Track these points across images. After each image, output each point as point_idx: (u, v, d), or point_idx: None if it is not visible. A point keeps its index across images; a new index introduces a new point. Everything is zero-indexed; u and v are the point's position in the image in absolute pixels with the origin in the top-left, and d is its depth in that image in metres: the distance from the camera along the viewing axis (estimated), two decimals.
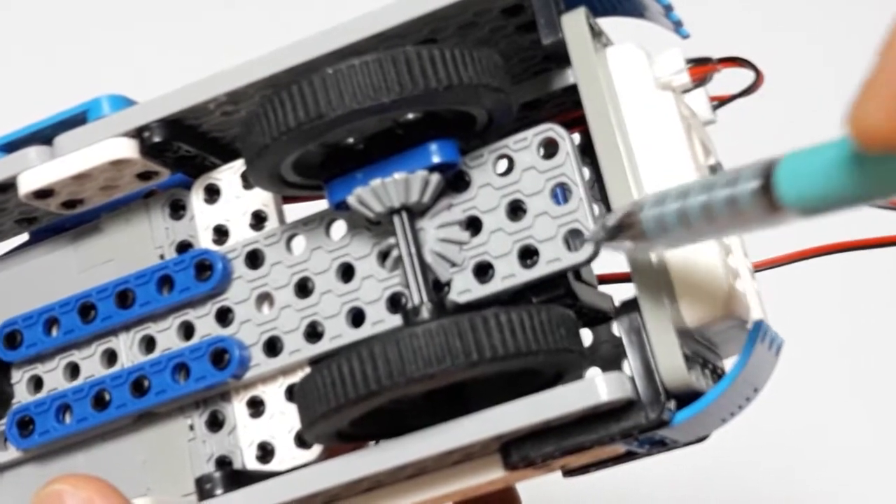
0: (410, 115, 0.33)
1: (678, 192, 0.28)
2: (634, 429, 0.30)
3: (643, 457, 0.34)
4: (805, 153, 0.25)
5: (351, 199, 0.33)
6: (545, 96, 0.37)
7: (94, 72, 0.65)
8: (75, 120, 0.36)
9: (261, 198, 0.36)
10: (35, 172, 0.36)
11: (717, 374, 0.34)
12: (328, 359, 0.31)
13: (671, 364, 0.30)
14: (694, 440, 0.34)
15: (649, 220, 0.29)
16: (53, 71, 0.66)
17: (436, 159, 0.33)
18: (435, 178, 0.33)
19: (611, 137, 0.32)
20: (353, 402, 0.30)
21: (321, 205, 0.35)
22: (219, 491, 0.33)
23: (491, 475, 0.32)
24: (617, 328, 0.34)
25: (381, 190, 0.32)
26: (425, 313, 0.31)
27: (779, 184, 0.25)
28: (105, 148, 0.35)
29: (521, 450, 0.31)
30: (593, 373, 0.32)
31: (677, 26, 0.36)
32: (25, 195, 0.36)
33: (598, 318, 0.36)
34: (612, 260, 0.35)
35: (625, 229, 0.29)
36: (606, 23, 0.35)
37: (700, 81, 0.35)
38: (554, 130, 0.33)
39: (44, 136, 0.36)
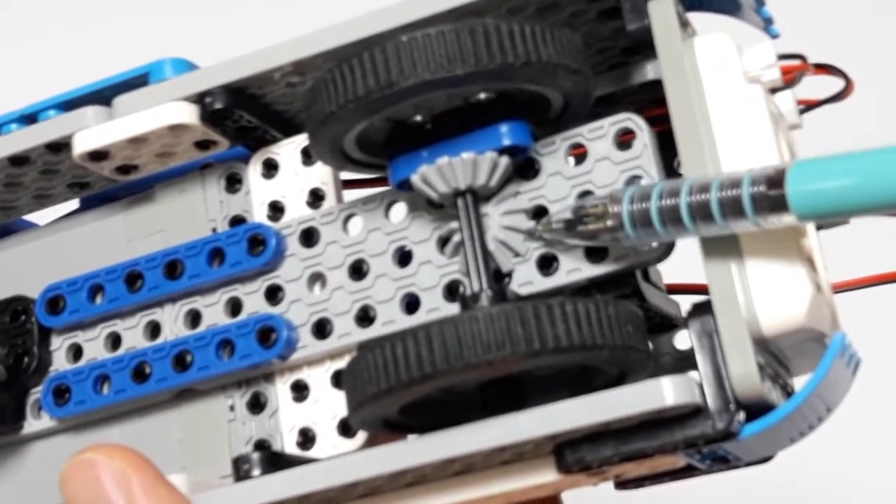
0: (482, 95, 0.31)
1: (666, 189, 0.28)
2: (700, 438, 0.28)
3: (702, 473, 0.32)
4: (814, 162, 0.26)
5: (415, 178, 0.31)
6: (621, 91, 0.35)
7: (158, 36, 0.64)
8: (136, 82, 0.35)
9: (320, 175, 0.35)
10: (91, 133, 0.35)
11: (787, 392, 0.32)
12: (382, 339, 0.29)
13: (744, 372, 0.28)
14: (758, 460, 0.33)
15: (630, 215, 0.28)
16: (117, 33, 0.66)
17: (506, 141, 0.31)
18: (504, 161, 0.31)
19: (693, 130, 0.30)
20: (406, 385, 0.28)
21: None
22: (256, 472, 0.32)
23: (542, 478, 0.30)
24: (679, 339, 0.32)
25: (447, 169, 0.31)
26: (485, 301, 0.30)
27: (790, 190, 0.26)
28: (164, 111, 0.34)
29: (577, 452, 0.29)
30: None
31: (767, 24, 0.34)
32: (80, 156, 0.35)
33: (661, 325, 0.35)
34: (683, 268, 0.34)
35: (591, 221, 0.29)
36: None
37: (789, 82, 0.33)
38: (632, 120, 0.32)
39: (103, 96, 0.35)
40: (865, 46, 0.63)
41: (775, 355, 0.31)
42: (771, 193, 0.27)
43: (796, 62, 0.33)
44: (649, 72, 0.35)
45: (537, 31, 0.30)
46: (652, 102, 0.35)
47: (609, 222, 0.29)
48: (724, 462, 0.31)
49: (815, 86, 0.35)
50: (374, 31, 0.32)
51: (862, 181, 0.26)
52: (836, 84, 0.35)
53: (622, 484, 0.34)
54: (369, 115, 0.30)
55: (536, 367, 0.29)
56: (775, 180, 0.27)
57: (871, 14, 0.66)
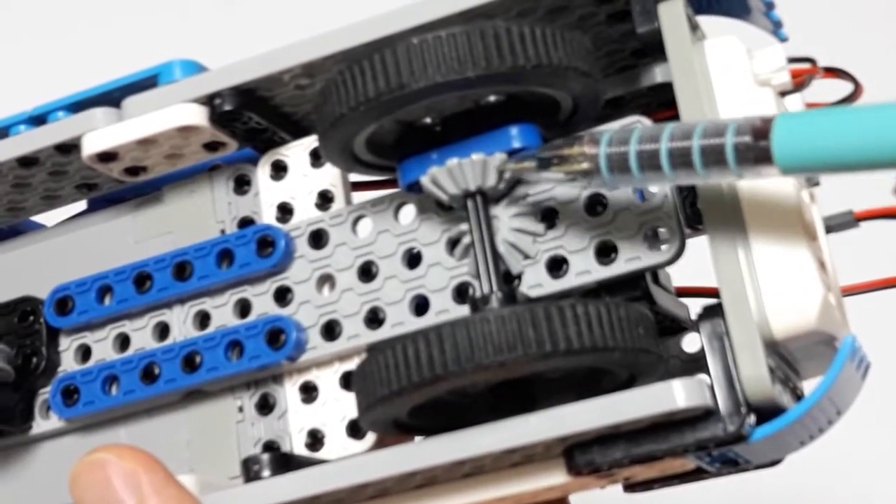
0: (492, 98, 0.31)
1: (647, 134, 0.27)
2: (711, 441, 0.28)
3: (712, 476, 0.32)
4: (802, 115, 0.26)
5: (424, 180, 0.31)
6: (629, 95, 0.35)
7: (167, 38, 0.64)
8: (145, 83, 0.35)
9: (329, 177, 0.35)
10: (100, 134, 0.35)
11: (797, 395, 0.32)
12: (392, 340, 0.29)
13: (755, 374, 0.28)
14: (767, 463, 0.32)
15: (608, 158, 0.27)
16: (126, 35, 0.66)
17: (516, 144, 0.31)
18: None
19: None
20: (417, 386, 0.28)
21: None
22: (266, 473, 0.32)
23: (552, 480, 0.30)
24: (689, 342, 0.32)
25: (456, 171, 0.31)
26: (495, 303, 0.30)
27: (775, 142, 0.26)
28: (174, 113, 0.34)
29: (587, 454, 0.29)
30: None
31: (776, 27, 0.34)
32: (89, 157, 0.35)
33: (670, 328, 0.34)
34: (693, 271, 0.34)
35: (566, 161, 0.28)
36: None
37: (799, 85, 0.33)
38: (640, 123, 0.32)
39: (112, 97, 0.35)
40: (873, 49, 0.63)
41: (785, 358, 0.31)
42: (756, 144, 0.26)
43: (806, 65, 0.33)
44: (658, 75, 0.35)
45: (548, 33, 0.30)
46: (660, 105, 0.35)
47: (585, 164, 0.28)
48: (733, 465, 0.31)
49: (825, 89, 0.35)
50: (384, 34, 0.32)
51: (849, 137, 0.25)
52: (845, 87, 0.35)
53: (631, 487, 0.34)
54: (380, 117, 0.30)
55: (547, 369, 0.29)
56: (761, 131, 0.26)
57: (881, 17, 0.66)
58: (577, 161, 0.28)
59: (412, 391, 0.28)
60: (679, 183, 0.28)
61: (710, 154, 0.27)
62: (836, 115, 0.26)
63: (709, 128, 0.27)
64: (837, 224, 0.34)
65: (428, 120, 0.32)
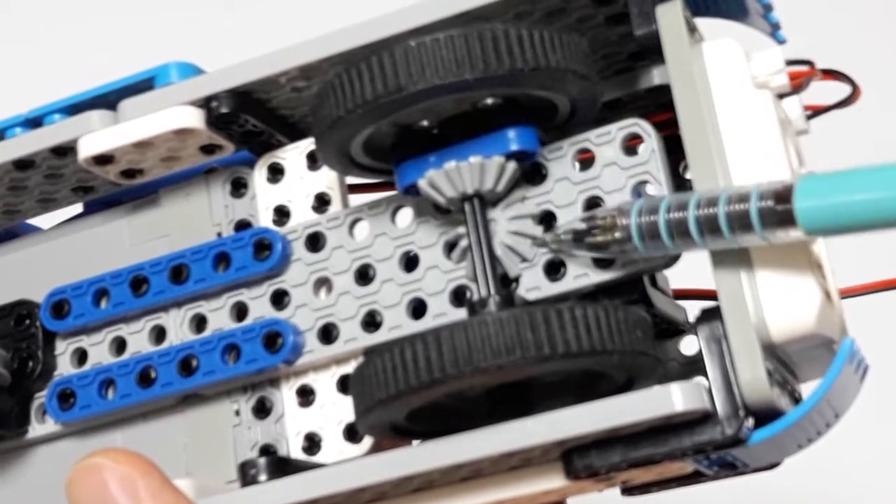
0: (490, 100, 0.31)
1: (675, 203, 0.28)
2: (709, 444, 0.28)
3: (710, 480, 0.32)
4: (822, 178, 0.27)
5: (422, 183, 0.31)
6: (627, 97, 0.35)
7: (164, 40, 0.64)
8: (141, 86, 0.35)
9: (325, 180, 0.35)
10: (96, 137, 0.35)
11: (795, 398, 0.32)
12: (390, 343, 0.29)
13: (753, 378, 0.28)
14: (765, 466, 0.32)
15: (638, 227, 0.28)
16: (122, 37, 0.66)
17: (514, 146, 0.31)
18: (511, 165, 0.31)
19: (702, 135, 0.30)
20: (415, 389, 0.28)
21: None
22: (263, 477, 0.32)
23: (550, 483, 0.30)
24: (686, 345, 0.32)
25: (454, 174, 0.31)
26: (492, 306, 0.30)
27: (798, 205, 0.27)
28: (170, 116, 0.34)
29: (585, 458, 0.29)
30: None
31: (774, 29, 0.34)
32: (85, 160, 0.35)
33: (668, 331, 0.34)
34: (690, 274, 0.34)
35: (599, 233, 0.29)
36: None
37: (797, 88, 0.33)
38: (639, 126, 0.32)
39: (108, 100, 0.35)
40: (871, 51, 0.63)
41: (783, 361, 0.31)
42: (779, 208, 0.27)
43: (804, 68, 0.33)
44: (655, 77, 0.35)
45: (545, 36, 0.30)
46: (658, 107, 0.35)
47: (617, 234, 0.29)
48: (731, 468, 0.31)
49: (822, 91, 0.35)
50: (381, 36, 0.32)
51: (870, 197, 0.26)
52: (843, 90, 0.35)
53: (629, 490, 0.33)
54: (377, 119, 0.30)
55: (545, 372, 0.29)
56: (783, 195, 0.27)
57: (880, 18, 0.66)
58: (611, 231, 0.29)
59: (410, 394, 0.28)
60: (711, 248, 0.29)
61: (735, 220, 0.28)
62: (857, 177, 0.27)
63: (733, 195, 0.28)
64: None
65: (425, 123, 0.32)
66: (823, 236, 0.28)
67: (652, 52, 0.31)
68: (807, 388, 0.32)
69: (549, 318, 0.28)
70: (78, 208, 0.40)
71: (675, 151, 0.32)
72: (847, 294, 0.34)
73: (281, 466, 0.32)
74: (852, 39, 0.64)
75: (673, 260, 0.31)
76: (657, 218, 0.29)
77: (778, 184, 0.28)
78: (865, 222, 0.27)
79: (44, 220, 0.40)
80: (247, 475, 0.32)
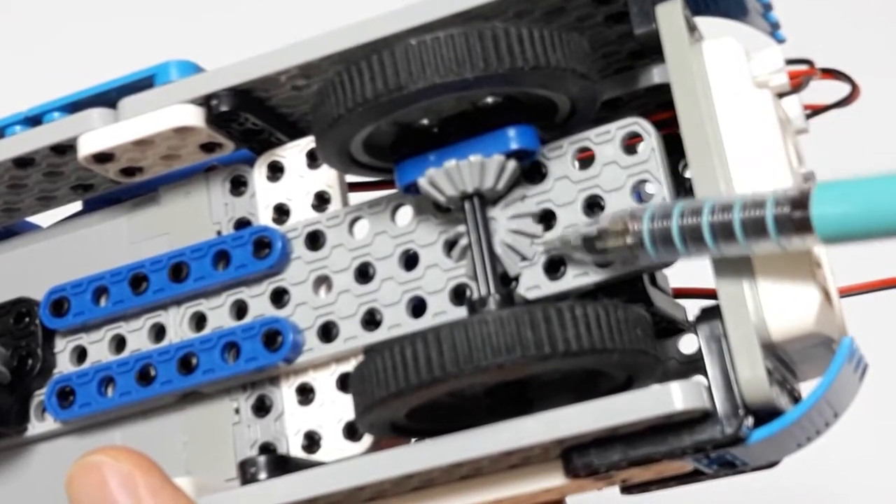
0: (490, 99, 0.31)
1: (688, 209, 0.28)
2: (708, 443, 0.28)
3: (709, 478, 0.32)
4: (838, 185, 0.27)
5: (422, 181, 0.31)
6: (626, 96, 0.35)
7: (163, 39, 0.64)
8: (141, 84, 0.35)
9: (325, 178, 0.35)
10: (97, 135, 0.35)
11: (795, 398, 0.32)
12: (390, 342, 0.29)
13: (753, 377, 0.28)
14: (764, 465, 0.32)
15: (651, 233, 0.28)
16: (122, 36, 0.66)
17: (514, 145, 0.31)
18: (511, 164, 0.31)
19: (702, 134, 0.30)
20: (415, 388, 0.28)
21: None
22: (262, 476, 0.32)
23: (550, 482, 0.30)
24: (686, 343, 0.32)
25: (454, 172, 0.31)
26: (492, 305, 0.30)
27: (815, 212, 0.27)
28: (170, 114, 0.34)
29: (585, 457, 0.29)
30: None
31: (774, 28, 0.34)
32: (85, 158, 0.35)
33: (667, 330, 0.34)
34: (690, 274, 0.34)
35: (609, 238, 0.29)
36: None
37: (796, 87, 0.33)
38: (639, 125, 0.32)
39: (108, 98, 0.35)
40: (871, 50, 0.63)
41: (783, 360, 0.31)
42: (795, 215, 0.27)
43: (804, 67, 0.33)
44: (655, 76, 0.35)
45: (546, 35, 0.30)
46: (658, 107, 0.35)
47: (629, 240, 0.29)
48: (731, 467, 0.31)
49: (821, 90, 0.35)
50: (381, 35, 0.32)
51: (888, 205, 0.26)
52: (843, 89, 0.35)
53: (628, 489, 0.33)
54: (377, 118, 0.30)
55: (546, 370, 0.29)
56: (799, 202, 0.27)
57: (879, 17, 0.66)
58: (621, 237, 0.29)
59: (410, 393, 0.28)
60: (724, 255, 0.29)
61: (750, 226, 0.28)
62: (874, 185, 0.27)
63: (748, 200, 0.28)
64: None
65: (425, 121, 0.32)
66: (839, 244, 0.28)
67: (652, 51, 0.31)
68: (806, 387, 0.32)
69: (549, 317, 0.28)
70: (77, 206, 0.40)
71: (674, 150, 0.32)
72: (846, 293, 0.34)
73: (280, 465, 0.32)
74: (851, 38, 0.64)
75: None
76: (670, 223, 0.28)
77: (794, 190, 0.28)
78: (882, 231, 0.27)
79: (43, 218, 0.40)
80: (246, 473, 0.32)
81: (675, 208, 0.28)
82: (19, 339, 0.36)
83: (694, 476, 0.32)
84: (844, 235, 0.27)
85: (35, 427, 0.36)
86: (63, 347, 0.36)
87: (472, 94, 0.30)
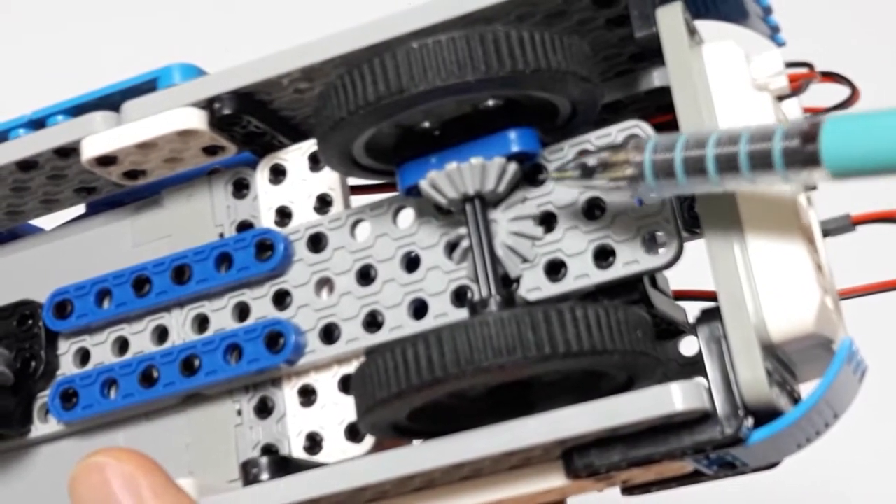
0: (491, 102, 0.31)
1: (693, 140, 0.27)
2: (708, 444, 0.29)
3: (709, 479, 0.32)
4: (850, 118, 0.26)
5: (423, 184, 0.31)
6: (626, 99, 0.36)
7: (166, 42, 0.64)
8: (144, 87, 0.35)
9: (327, 181, 0.35)
10: (100, 138, 0.35)
11: (794, 398, 0.32)
12: (392, 343, 0.29)
13: (752, 378, 0.28)
14: (764, 466, 0.33)
15: (654, 164, 0.27)
16: (125, 39, 0.66)
17: (515, 148, 0.31)
18: (512, 167, 0.31)
19: None
20: (417, 389, 0.28)
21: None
22: (265, 476, 0.32)
23: (550, 482, 0.30)
24: (686, 345, 0.32)
25: (455, 175, 0.31)
26: (493, 306, 0.30)
27: (825, 145, 0.26)
28: (173, 117, 0.34)
29: (586, 457, 0.29)
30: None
31: (774, 32, 0.34)
32: (88, 161, 0.35)
33: (667, 331, 0.35)
34: (689, 276, 0.34)
35: (610, 168, 0.28)
36: None
37: (796, 90, 0.33)
38: (640, 127, 0.32)
39: (111, 101, 0.36)
40: (870, 52, 0.63)
41: (782, 361, 0.31)
42: (805, 148, 0.26)
43: (803, 70, 0.33)
44: (655, 79, 0.35)
45: (547, 38, 0.30)
46: (658, 109, 0.35)
47: (629, 171, 0.28)
48: (730, 468, 0.31)
49: (821, 94, 0.35)
50: (383, 38, 0.32)
51: None
52: (842, 92, 0.35)
53: (628, 490, 0.34)
54: (380, 120, 0.30)
55: (546, 371, 0.29)
56: (809, 134, 0.26)
57: (879, 19, 0.66)
58: (621, 168, 0.28)
59: (412, 394, 0.28)
60: (725, 188, 0.28)
61: (757, 158, 0.27)
62: (886, 117, 0.26)
63: (756, 133, 0.27)
64: (835, 228, 0.34)
65: (426, 124, 0.32)
66: (847, 179, 0.27)
67: (652, 54, 0.32)
68: (805, 388, 0.32)
69: (549, 318, 0.28)
70: (80, 209, 0.40)
71: None
72: (846, 295, 0.34)
73: (282, 466, 0.32)
74: (850, 41, 0.64)
75: (674, 260, 0.31)
76: (673, 155, 0.28)
77: (805, 122, 0.27)
78: (892, 164, 0.26)
79: (46, 221, 0.41)
80: (249, 474, 0.32)
81: (679, 140, 0.28)
82: (22, 342, 0.36)
83: (694, 477, 0.32)
84: (854, 170, 0.26)
85: (38, 429, 0.36)
86: (66, 349, 0.36)
87: (473, 97, 0.30)
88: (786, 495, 0.56)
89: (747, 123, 0.30)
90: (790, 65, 0.32)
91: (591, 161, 0.29)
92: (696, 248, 0.32)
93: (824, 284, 0.30)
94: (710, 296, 0.34)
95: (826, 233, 0.33)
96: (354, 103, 0.30)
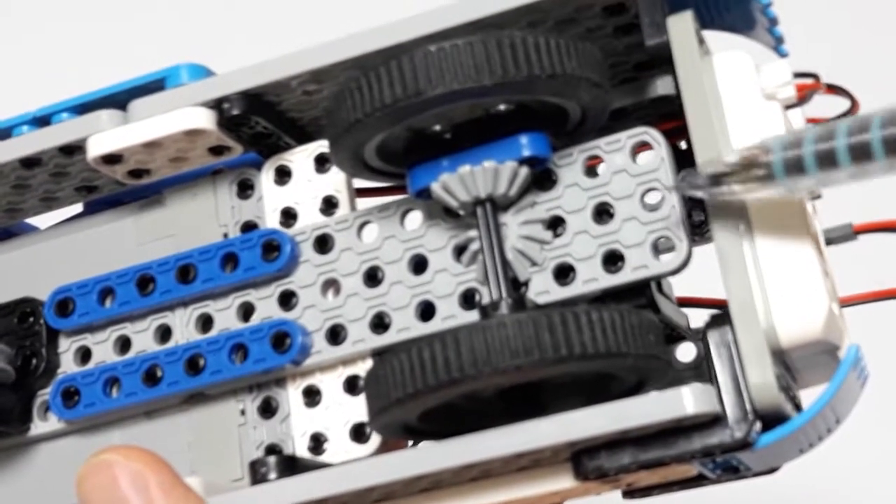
0: (502, 106, 0.32)
1: (816, 135, 0.28)
2: (718, 447, 0.29)
3: (712, 483, 0.33)
4: None
5: (435, 186, 0.32)
6: (632, 106, 0.36)
7: (174, 42, 0.64)
8: (152, 86, 0.35)
9: (333, 183, 0.35)
10: (106, 136, 0.35)
11: (796, 404, 0.32)
12: (406, 344, 0.29)
13: (762, 382, 0.29)
14: (765, 470, 0.33)
15: (782, 162, 0.28)
16: (132, 39, 0.66)
17: (526, 152, 0.32)
18: (524, 171, 0.32)
19: (713, 144, 0.30)
20: (432, 389, 0.28)
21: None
22: (273, 476, 0.32)
23: (559, 484, 0.30)
24: (684, 351, 0.33)
25: (468, 177, 0.31)
26: (504, 309, 0.30)
27: None
28: (181, 116, 0.34)
29: (595, 460, 0.30)
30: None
31: (778, 43, 0.35)
32: (94, 159, 0.35)
33: (669, 337, 0.35)
34: (695, 283, 0.34)
35: (739, 172, 0.28)
36: None
37: (801, 100, 0.33)
38: (649, 134, 0.32)
39: (118, 100, 0.35)
40: (871, 59, 0.64)
41: (787, 367, 0.31)
42: None
43: (809, 81, 0.33)
44: (659, 87, 0.35)
45: (562, 44, 0.30)
46: (663, 116, 0.36)
47: (760, 171, 0.28)
48: (734, 472, 0.32)
49: (822, 104, 0.36)
50: (393, 42, 0.32)
51: None
52: (842, 104, 0.36)
53: (630, 493, 0.34)
54: (394, 123, 0.30)
55: (561, 373, 0.29)
56: None
57: (880, 25, 0.67)
58: (748, 171, 0.29)
59: (428, 394, 0.28)
60: (853, 179, 0.28)
61: (891, 144, 0.27)
62: None
63: (886, 118, 0.27)
64: (837, 237, 0.34)
65: (438, 127, 0.32)
66: None
67: (661, 62, 0.32)
68: (805, 394, 0.32)
69: (566, 321, 0.28)
70: (78, 208, 0.40)
71: (675, 161, 0.32)
72: (847, 303, 0.35)
73: (290, 465, 0.32)
74: (849, 49, 0.65)
75: (682, 266, 0.31)
76: (802, 151, 0.28)
77: None
78: None
79: (42, 220, 0.40)
80: (257, 473, 0.32)
81: (806, 135, 0.28)
82: (23, 339, 0.36)
83: (697, 481, 0.32)
84: None
85: (38, 427, 0.36)
86: (67, 347, 0.36)
87: (489, 100, 0.31)
88: (786, 496, 0.57)
89: (758, 132, 0.31)
90: (797, 75, 0.33)
91: (724, 169, 0.29)
92: (700, 257, 0.32)
93: (831, 291, 0.31)
94: (714, 304, 0.35)
95: (828, 241, 0.34)
96: (371, 105, 0.30)
